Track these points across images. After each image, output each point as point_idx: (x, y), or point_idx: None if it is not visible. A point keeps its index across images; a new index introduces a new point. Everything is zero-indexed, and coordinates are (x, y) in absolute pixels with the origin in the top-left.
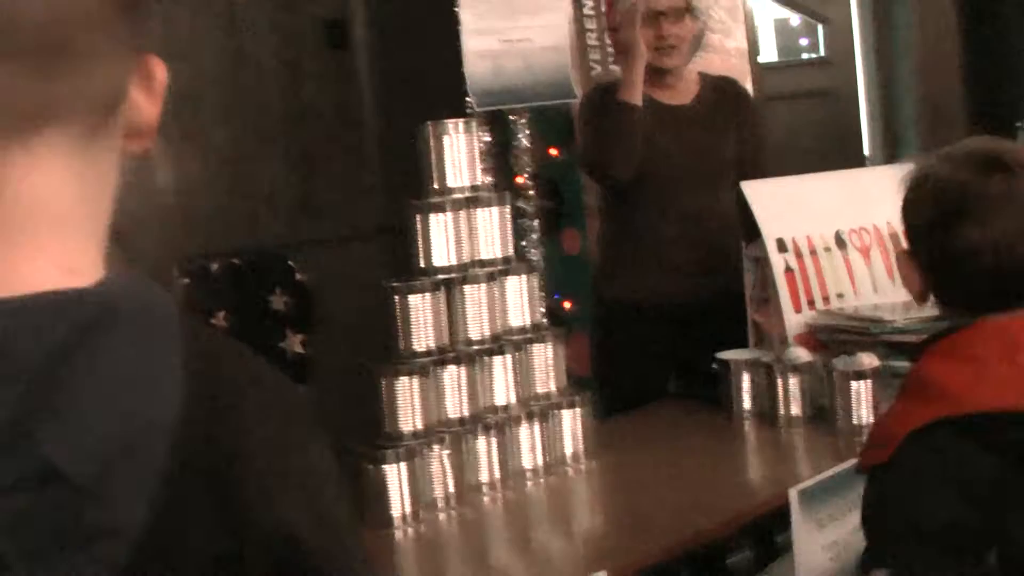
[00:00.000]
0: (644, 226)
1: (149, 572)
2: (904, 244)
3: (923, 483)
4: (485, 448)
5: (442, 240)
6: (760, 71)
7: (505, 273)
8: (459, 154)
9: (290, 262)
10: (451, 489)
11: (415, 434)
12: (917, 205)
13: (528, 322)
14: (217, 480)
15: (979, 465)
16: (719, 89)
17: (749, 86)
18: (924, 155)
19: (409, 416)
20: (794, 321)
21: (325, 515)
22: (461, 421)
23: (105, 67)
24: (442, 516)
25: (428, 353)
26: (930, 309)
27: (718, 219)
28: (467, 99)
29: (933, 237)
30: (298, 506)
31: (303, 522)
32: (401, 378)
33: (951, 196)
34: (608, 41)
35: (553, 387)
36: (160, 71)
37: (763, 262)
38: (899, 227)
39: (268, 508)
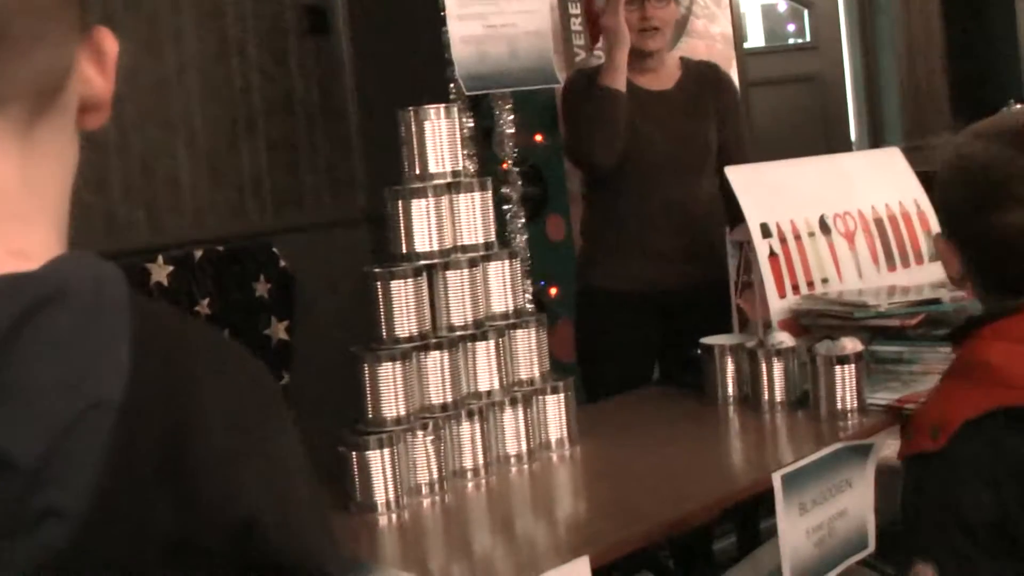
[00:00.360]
0: (627, 212)
1: (98, 554)
2: (937, 226)
3: (975, 475)
4: (469, 434)
5: (424, 226)
6: (745, 56)
7: (487, 259)
8: (440, 139)
9: (274, 249)
10: (435, 475)
11: (398, 420)
12: (954, 187)
13: (511, 308)
14: (170, 459)
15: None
16: (701, 74)
17: (734, 72)
18: (953, 134)
19: (392, 402)
20: (778, 306)
21: (288, 496)
22: (444, 407)
23: (45, 48)
24: (426, 502)
25: (410, 339)
26: (915, 294)
27: (701, 205)
28: (450, 85)
29: (973, 220)
30: (258, 486)
31: (264, 503)
32: (384, 364)
33: (991, 177)
34: (590, 27)
35: (537, 373)
36: (110, 44)
37: (747, 247)
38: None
39: (225, 488)
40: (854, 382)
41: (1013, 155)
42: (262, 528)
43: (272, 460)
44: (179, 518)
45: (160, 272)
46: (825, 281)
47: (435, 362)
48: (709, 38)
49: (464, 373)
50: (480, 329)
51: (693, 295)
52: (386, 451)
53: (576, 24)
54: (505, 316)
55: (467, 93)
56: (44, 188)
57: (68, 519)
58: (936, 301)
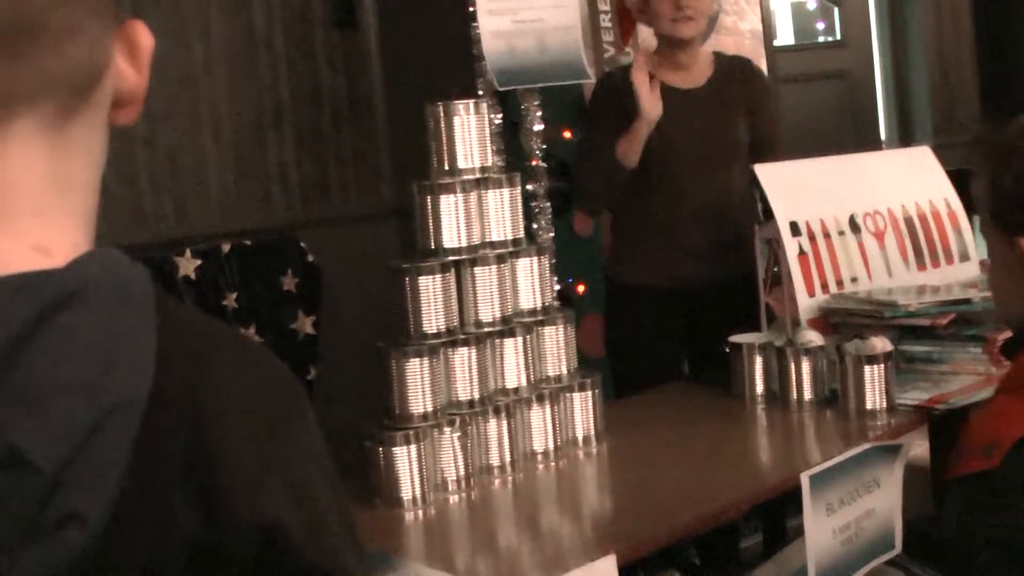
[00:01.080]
0: (656, 208)
1: (120, 558)
2: (989, 214)
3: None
4: (496, 431)
5: (451, 221)
6: (774, 53)
7: (515, 255)
8: (469, 135)
9: (301, 243)
10: (461, 471)
11: (425, 416)
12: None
13: (539, 304)
14: (194, 463)
15: None
16: (733, 69)
17: (764, 68)
18: (1004, 125)
19: (419, 398)
20: (807, 304)
21: (311, 501)
22: (471, 403)
23: (79, 44)
24: (452, 499)
25: (437, 335)
26: (944, 293)
27: (731, 201)
28: (478, 79)
29: None
30: (283, 492)
31: (288, 509)
32: (411, 360)
33: None
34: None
35: (564, 370)
36: (145, 38)
37: (776, 245)
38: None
39: (248, 493)
40: (883, 382)
41: None
42: (286, 534)
43: (296, 465)
44: (202, 523)
45: (187, 265)
46: (855, 280)
47: (463, 358)
48: (738, 34)
49: (492, 369)
50: (508, 326)
51: (721, 291)
52: (412, 447)
53: (606, 20)
54: (533, 313)
55: (499, 88)
56: (72, 185)
57: (89, 523)
58: (966, 301)
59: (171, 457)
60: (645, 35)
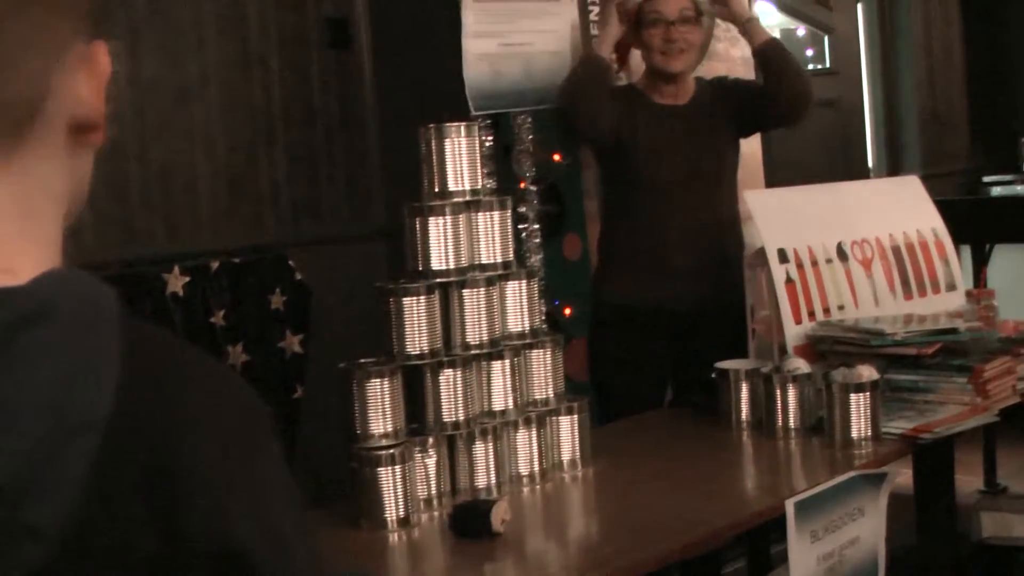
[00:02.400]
0: (642, 228)
1: (75, 570)
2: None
3: None
4: (482, 453)
5: (440, 243)
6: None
7: (505, 278)
8: (460, 157)
9: (290, 262)
10: (446, 493)
11: (411, 437)
12: None
13: (527, 327)
14: (155, 485)
15: None
16: (712, 88)
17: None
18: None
19: (403, 419)
20: (794, 332)
21: (274, 526)
22: (456, 425)
23: (9, 80)
24: (437, 520)
25: (421, 356)
26: (931, 322)
27: (718, 222)
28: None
29: None
30: (245, 517)
31: (249, 535)
32: (394, 380)
33: None
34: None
35: (551, 393)
36: (103, 58)
37: (764, 272)
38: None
39: (211, 518)
40: (869, 410)
41: None
42: (246, 560)
43: (259, 490)
44: (162, 545)
45: (176, 282)
46: (841, 308)
47: (448, 380)
48: (730, 61)
49: (479, 392)
50: (496, 348)
51: (707, 314)
52: (397, 468)
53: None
54: (521, 336)
55: (474, 112)
56: (31, 215)
57: (45, 540)
58: (953, 331)
59: (132, 479)
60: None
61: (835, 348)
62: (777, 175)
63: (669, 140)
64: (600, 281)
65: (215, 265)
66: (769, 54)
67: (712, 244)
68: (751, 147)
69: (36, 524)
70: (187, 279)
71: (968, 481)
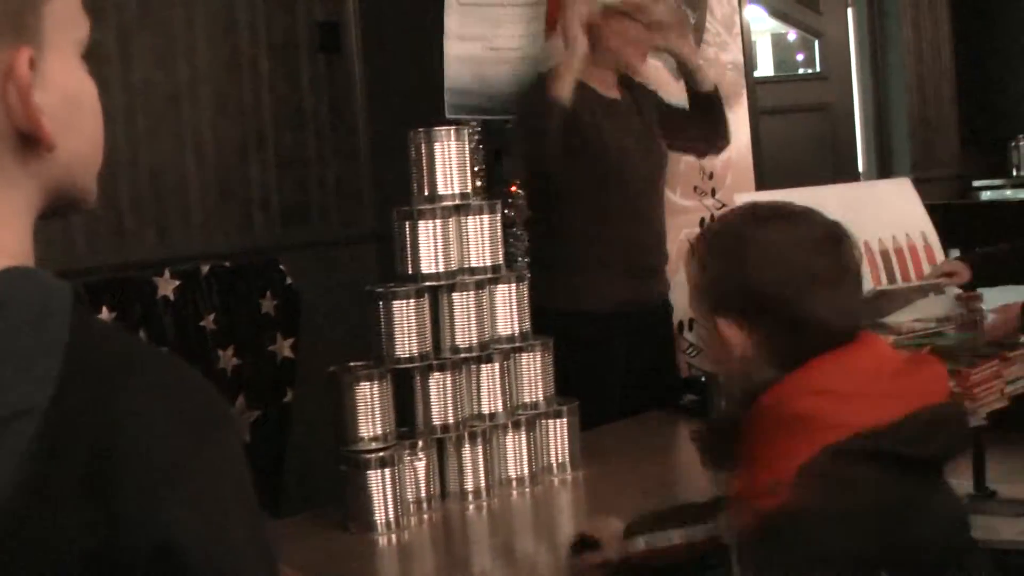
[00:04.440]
0: (588, 226)
1: (11, 561)
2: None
3: (825, 513)
4: (470, 456)
5: (430, 247)
6: (755, 85)
7: (494, 281)
8: (449, 162)
9: (281, 266)
10: (435, 496)
11: (401, 440)
12: (767, 273)
13: (516, 331)
14: (93, 474)
15: (867, 485)
16: (632, 86)
17: (744, 100)
18: (734, 214)
19: (392, 422)
20: None
21: (216, 523)
22: (446, 428)
23: None
24: (426, 523)
25: (410, 359)
26: (919, 326)
27: (662, 220)
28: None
29: (791, 303)
30: (182, 511)
31: (186, 529)
32: (383, 383)
33: (803, 264)
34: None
35: (540, 396)
36: (20, 64)
37: None
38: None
39: (146, 510)
40: None
41: (811, 248)
42: (182, 554)
43: (202, 485)
44: (98, 535)
45: (166, 286)
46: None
47: (438, 383)
48: (719, 65)
49: (468, 395)
50: (485, 351)
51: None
52: (386, 471)
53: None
54: (511, 339)
55: (449, 116)
56: None
57: None
58: (940, 334)
59: (70, 470)
60: None
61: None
62: (767, 178)
63: (618, 133)
64: (568, 289)
65: (205, 269)
66: (714, 100)
67: (657, 238)
68: (741, 151)
69: None
70: (177, 283)
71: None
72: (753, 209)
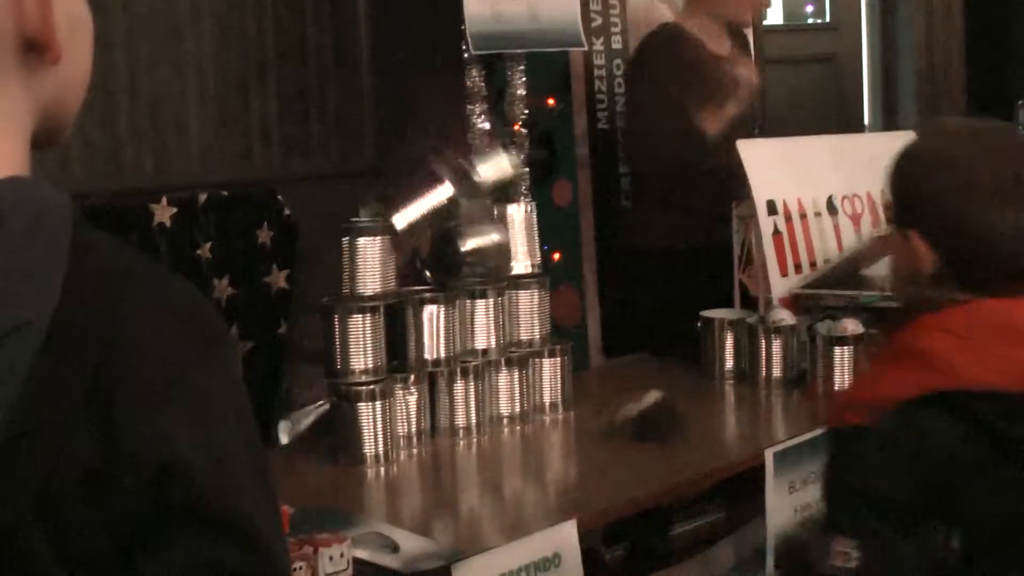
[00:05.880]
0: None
1: (12, 474)
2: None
3: (896, 454)
4: (462, 392)
5: None
6: (763, 34)
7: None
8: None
9: (278, 197)
10: (426, 431)
11: (392, 374)
12: (929, 180)
13: (514, 268)
14: (95, 389)
15: (959, 444)
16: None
17: (751, 48)
18: (922, 129)
19: (384, 356)
20: (780, 284)
21: (216, 442)
22: (438, 363)
23: None
24: (415, 458)
25: (385, 295)
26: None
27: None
28: (463, 43)
29: (951, 215)
30: (183, 429)
31: (187, 447)
32: (376, 316)
33: (977, 176)
34: None
35: (536, 335)
36: None
37: (751, 222)
38: (883, 198)
39: (148, 427)
40: (853, 363)
41: (994, 159)
42: (182, 472)
43: (202, 403)
44: (98, 450)
45: (163, 213)
46: (827, 262)
47: (431, 317)
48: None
49: (461, 330)
50: (482, 287)
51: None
52: (377, 404)
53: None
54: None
55: (474, 52)
56: None
57: None
58: None
59: (72, 383)
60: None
61: (822, 302)
62: (771, 128)
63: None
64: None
65: (203, 197)
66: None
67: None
68: None
69: None
70: (174, 210)
71: None
72: (942, 124)
